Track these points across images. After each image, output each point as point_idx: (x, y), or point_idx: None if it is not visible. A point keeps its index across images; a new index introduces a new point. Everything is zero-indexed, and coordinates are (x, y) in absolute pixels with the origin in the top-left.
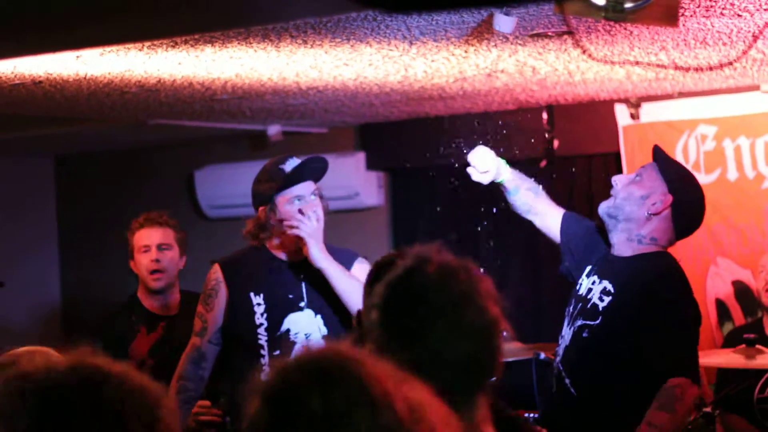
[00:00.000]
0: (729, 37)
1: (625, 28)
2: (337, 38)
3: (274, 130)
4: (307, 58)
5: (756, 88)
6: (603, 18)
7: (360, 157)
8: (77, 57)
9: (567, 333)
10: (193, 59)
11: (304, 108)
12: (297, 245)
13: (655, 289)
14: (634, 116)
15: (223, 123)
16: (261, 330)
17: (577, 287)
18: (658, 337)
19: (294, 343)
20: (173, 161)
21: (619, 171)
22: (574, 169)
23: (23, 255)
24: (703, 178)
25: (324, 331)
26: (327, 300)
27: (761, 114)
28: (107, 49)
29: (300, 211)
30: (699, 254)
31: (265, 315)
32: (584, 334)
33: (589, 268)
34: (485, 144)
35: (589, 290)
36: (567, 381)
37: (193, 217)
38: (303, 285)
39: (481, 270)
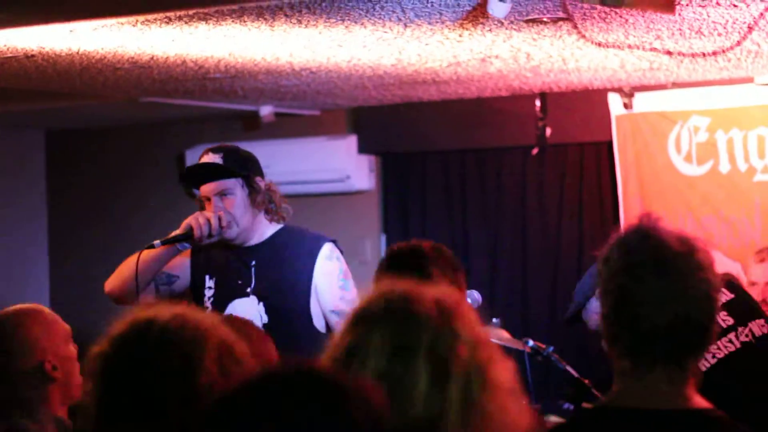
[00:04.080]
0: (724, 28)
1: (621, 16)
2: (331, 19)
3: (266, 111)
4: (301, 38)
5: (750, 80)
6: (600, 3)
7: (352, 141)
8: (70, 31)
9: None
10: (187, 36)
11: (296, 89)
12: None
13: None
14: (627, 106)
15: (216, 102)
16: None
17: None
18: None
19: None
20: (165, 140)
21: (611, 160)
22: (565, 157)
23: (12, 229)
24: (694, 170)
25: (265, 319)
26: (273, 287)
27: (755, 107)
28: (100, 23)
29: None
30: None
31: (211, 299)
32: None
33: None
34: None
35: None
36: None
37: (184, 197)
38: (252, 270)
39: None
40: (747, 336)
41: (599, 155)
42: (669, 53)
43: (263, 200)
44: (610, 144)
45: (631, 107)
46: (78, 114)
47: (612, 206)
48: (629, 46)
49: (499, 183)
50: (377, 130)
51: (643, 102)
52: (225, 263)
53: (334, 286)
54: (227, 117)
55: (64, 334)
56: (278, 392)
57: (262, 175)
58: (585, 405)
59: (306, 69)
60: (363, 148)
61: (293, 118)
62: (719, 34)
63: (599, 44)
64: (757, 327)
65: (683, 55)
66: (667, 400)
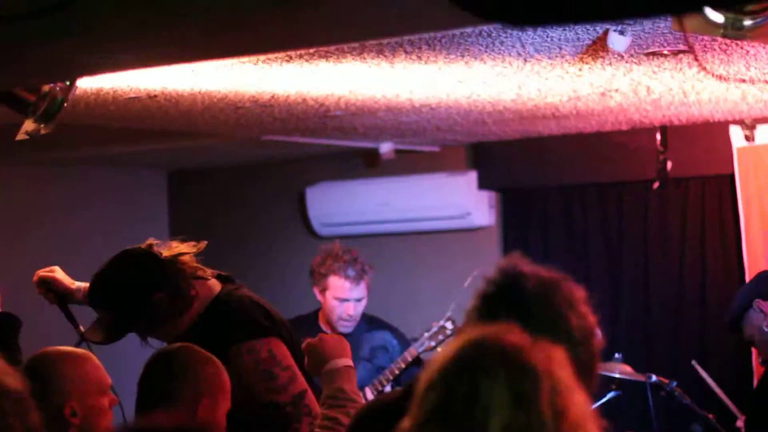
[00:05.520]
0: None
1: (742, 48)
2: (451, 54)
3: (386, 148)
4: (421, 74)
5: None
6: (721, 36)
7: (472, 177)
8: (192, 71)
9: None
10: (308, 74)
11: (416, 126)
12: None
13: None
14: (748, 138)
15: (336, 140)
16: None
17: None
18: None
19: None
20: (285, 178)
21: (734, 193)
22: (687, 191)
23: None
24: None
25: None
26: None
27: None
28: (222, 63)
29: None
30: None
31: None
32: None
33: None
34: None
35: None
36: None
37: (305, 235)
38: None
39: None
40: None
41: (721, 188)
42: None
43: (161, 314)
44: (732, 177)
45: (752, 139)
46: (199, 154)
47: (735, 239)
48: (750, 79)
49: (620, 217)
50: (497, 166)
51: (765, 134)
52: None
53: (259, 381)
54: (347, 154)
55: (100, 385)
56: None
57: (147, 289)
58: None
59: (426, 105)
60: (483, 184)
61: (413, 154)
62: None
63: (720, 77)
64: None
65: None
66: None
